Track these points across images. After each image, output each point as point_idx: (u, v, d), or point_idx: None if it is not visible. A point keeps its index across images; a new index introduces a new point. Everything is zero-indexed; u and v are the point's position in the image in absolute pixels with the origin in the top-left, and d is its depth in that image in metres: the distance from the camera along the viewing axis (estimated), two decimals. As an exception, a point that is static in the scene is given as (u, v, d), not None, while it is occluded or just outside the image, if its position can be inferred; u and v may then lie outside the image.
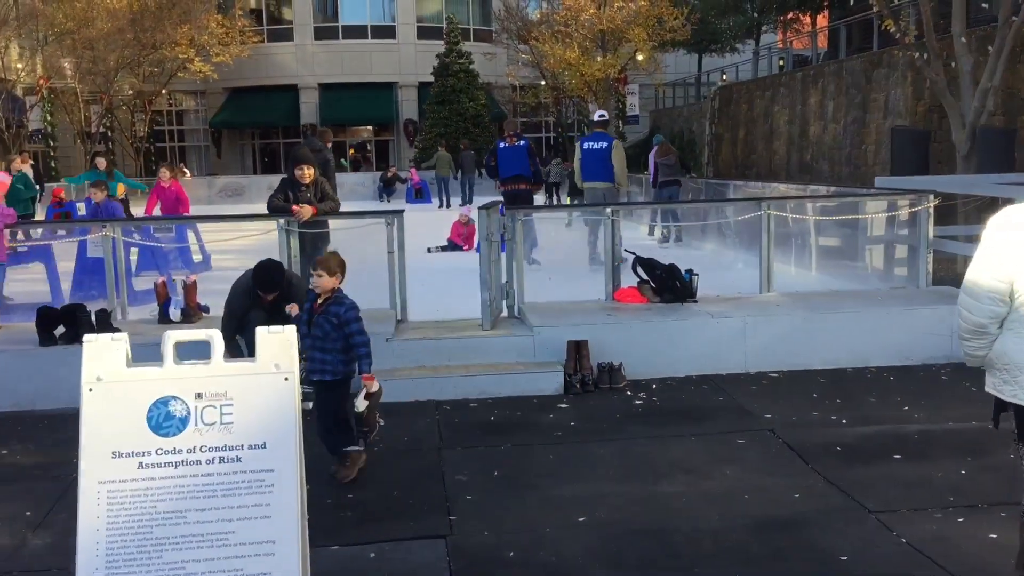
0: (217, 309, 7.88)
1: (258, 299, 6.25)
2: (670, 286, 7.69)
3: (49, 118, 29.86)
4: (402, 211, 7.75)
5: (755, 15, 32.60)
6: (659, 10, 26.77)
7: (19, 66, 28.59)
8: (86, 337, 3.08)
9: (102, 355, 3.03)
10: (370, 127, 42.68)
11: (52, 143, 29.95)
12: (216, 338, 3.11)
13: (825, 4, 28.60)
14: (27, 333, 6.75)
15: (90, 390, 3.02)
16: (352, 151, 42.37)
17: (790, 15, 33.02)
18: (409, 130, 40.76)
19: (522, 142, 12.28)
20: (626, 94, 29.41)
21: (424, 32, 40.68)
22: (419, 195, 30.19)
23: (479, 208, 7.70)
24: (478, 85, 35.52)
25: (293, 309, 5.52)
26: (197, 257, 12.68)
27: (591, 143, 11.86)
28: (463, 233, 14.81)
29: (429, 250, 14.64)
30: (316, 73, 40.03)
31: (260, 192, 31.23)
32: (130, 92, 34.50)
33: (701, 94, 36.10)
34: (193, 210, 14.45)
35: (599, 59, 27.59)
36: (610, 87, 29.07)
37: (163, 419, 3.03)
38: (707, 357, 7.01)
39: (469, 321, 7.39)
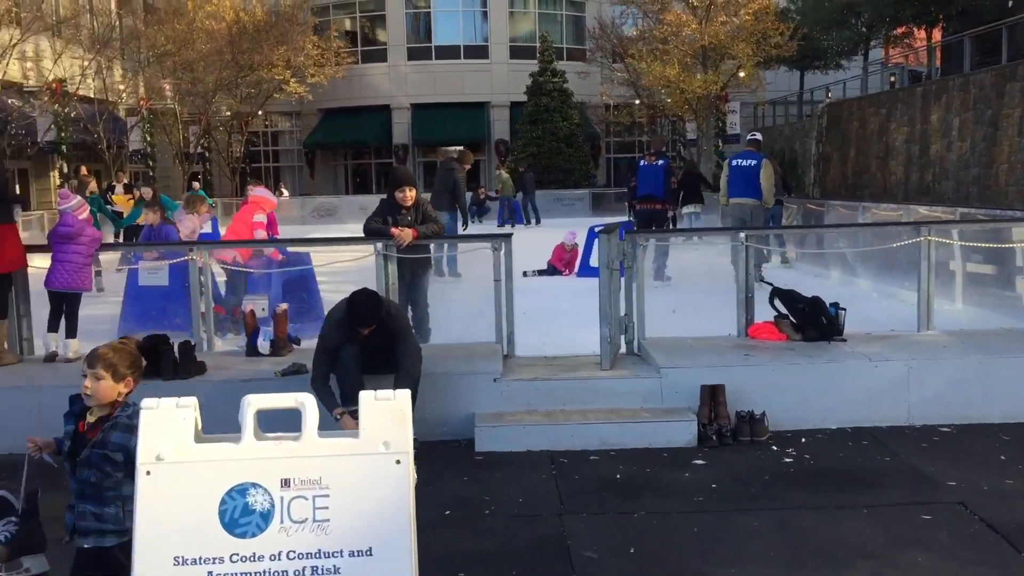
0: (309, 342, 7.30)
1: (354, 333, 5.59)
2: (814, 322, 6.74)
3: (149, 138, 30.32)
4: (510, 234, 7.01)
5: (864, 30, 31.09)
6: (764, 25, 25.65)
7: (121, 87, 29.10)
8: (145, 403, 2.39)
9: (164, 426, 2.34)
10: (460, 148, 42.35)
11: (152, 163, 30.39)
12: (309, 406, 2.38)
13: (940, 17, 27.03)
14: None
15: (148, 473, 2.33)
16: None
17: (901, 29, 31.42)
18: (500, 150, 40.31)
19: (661, 161, 12.26)
20: (726, 112, 28.29)
21: (516, 52, 40.26)
22: (510, 216, 29.61)
23: (599, 232, 6.92)
24: (571, 104, 34.85)
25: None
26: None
27: (740, 160, 11.78)
28: (565, 258, 14.03)
29: (525, 274, 13.90)
30: (408, 93, 39.99)
31: (352, 212, 31.13)
32: (227, 113, 34.92)
33: (803, 112, 34.70)
34: (284, 231, 14.08)
35: (700, 76, 26.55)
36: (711, 105, 28.00)
37: (239, 514, 2.32)
38: (863, 406, 6.04)
39: (584, 359, 6.59)
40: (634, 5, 30.05)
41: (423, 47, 40.66)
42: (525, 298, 10.27)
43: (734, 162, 11.85)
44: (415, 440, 5.11)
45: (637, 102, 36.08)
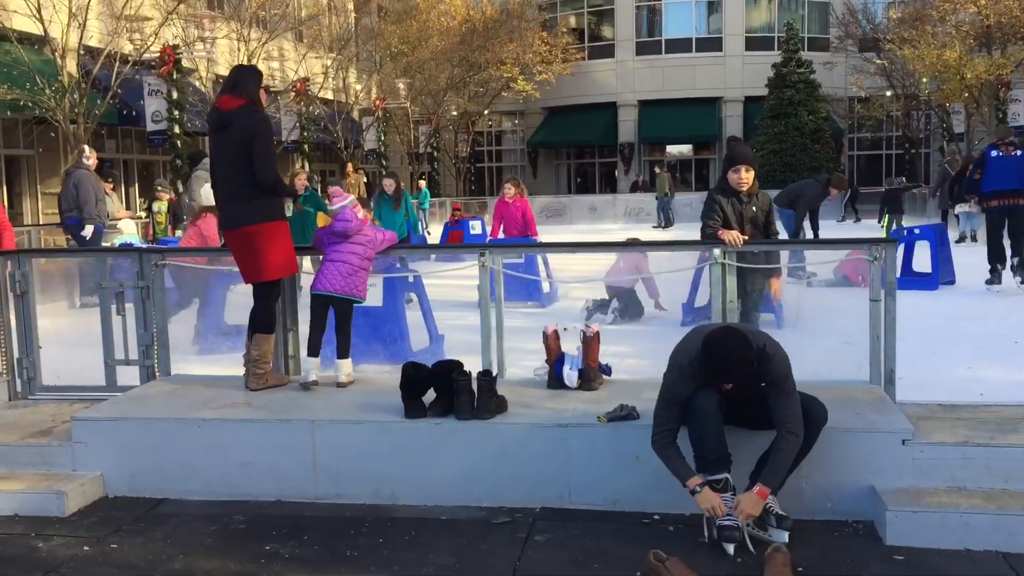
0: (621, 371, 5.88)
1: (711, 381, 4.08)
2: None
3: (383, 137, 30.48)
4: (895, 240, 5.27)
5: None
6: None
7: (357, 87, 29.35)
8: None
9: None
10: (689, 145, 40.38)
11: (385, 162, 30.52)
12: None
13: None
14: (392, 394, 5.02)
15: None
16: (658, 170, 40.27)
17: None
18: (732, 148, 37.97)
19: (1020, 152, 11.06)
20: (1008, 101, 24.73)
21: (752, 43, 37.77)
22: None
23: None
24: (818, 97, 32.01)
25: None
26: (545, 287, 10.97)
27: None
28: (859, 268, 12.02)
29: (810, 283, 11.97)
30: (636, 90, 38.43)
31: (581, 212, 30.03)
32: (455, 113, 34.76)
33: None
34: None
35: (984, 59, 23.17)
36: (992, 93, 24.56)
37: None
38: None
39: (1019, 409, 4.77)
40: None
41: (652, 41, 38.95)
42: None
43: None
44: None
45: (889, 93, 32.74)
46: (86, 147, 11.71)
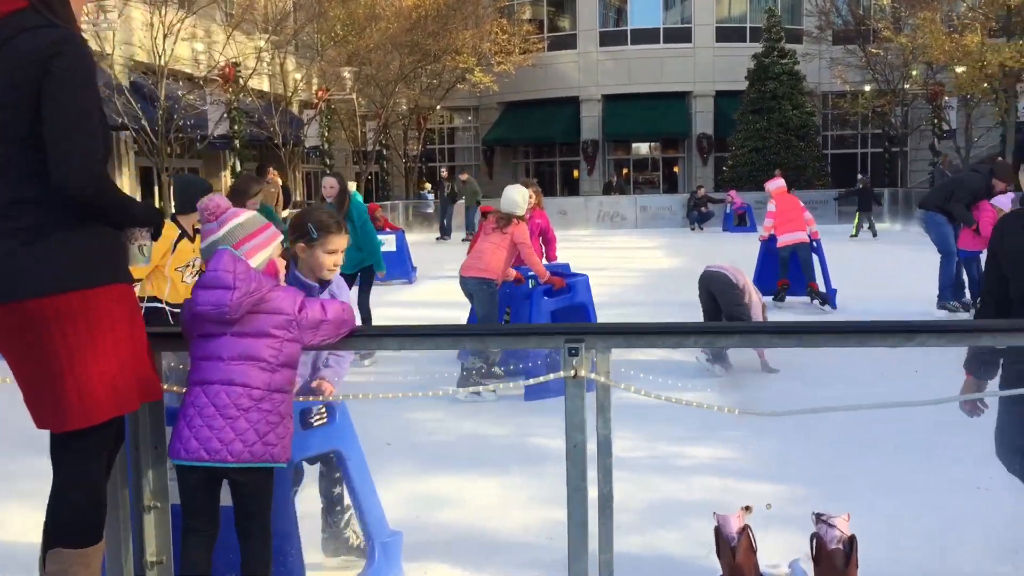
0: None
1: None
2: None
3: (327, 133, 27.19)
4: None
5: None
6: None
7: (297, 76, 26.02)
8: None
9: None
10: (656, 143, 37.80)
11: (329, 161, 27.26)
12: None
13: None
14: None
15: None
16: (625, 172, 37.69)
17: None
18: (703, 146, 35.47)
19: None
20: (1019, 94, 22.49)
21: (724, 34, 35.31)
22: (741, 221, 24.80)
23: None
24: (802, 90, 29.54)
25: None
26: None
27: None
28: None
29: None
30: (600, 83, 35.70)
31: (550, 216, 26.81)
32: (406, 107, 31.60)
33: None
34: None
35: (1013, 44, 20.77)
36: (1004, 85, 22.25)
37: None
38: None
39: None
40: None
41: (617, 32, 36.26)
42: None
43: None
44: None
45: (868, 88, 30.44)
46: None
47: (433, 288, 13.17)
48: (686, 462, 5.06)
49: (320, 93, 25.73)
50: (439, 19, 28.97)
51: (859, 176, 25.33)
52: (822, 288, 10.25)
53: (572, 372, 2.34)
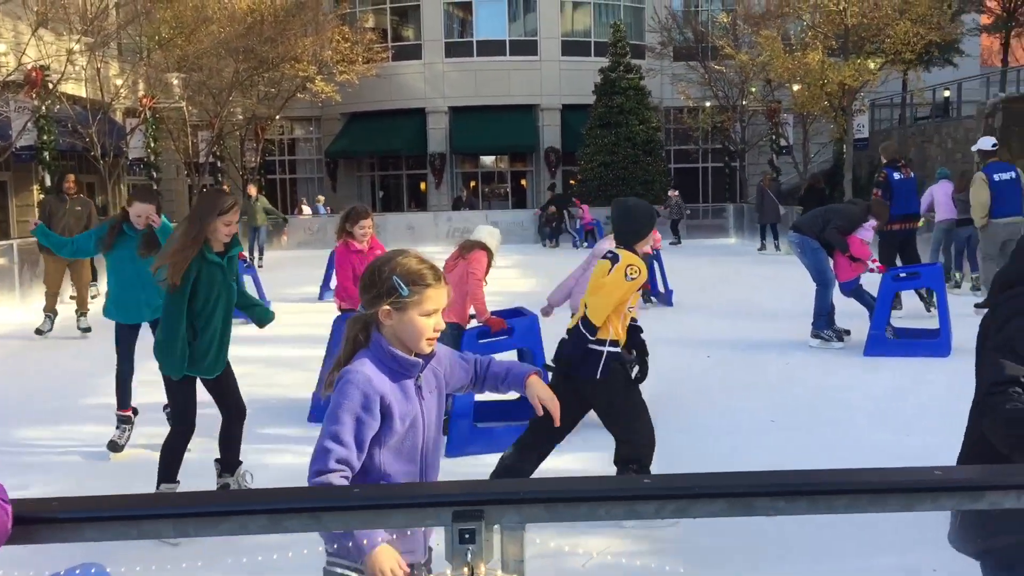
0: None
1: None
2: None
3: (153, 144, 25.09)
4: None
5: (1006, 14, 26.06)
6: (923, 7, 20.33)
7: (118, 82, 23.89)
8: None
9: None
10: (504, 156, 37.35)
11: (156, 174, 25.17)
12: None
13: None
14: None
15: None
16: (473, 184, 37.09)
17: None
18: (551, 159, 35.25)
19: (914, 175, 11.31)
20: (855, 112, 23.19)
21: (570, 48, 35.26)
22: (590, 236, 24.52)
23: None
24: (648, 105, 29.70)
25: None
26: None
27: (1000, 174, 10.41)
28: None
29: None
30: (446, 95, 34.91)
31: (397, 232, 25.71)
32: (241, 117, 29.76)
33: (913, 115, 29.69)
34: (317, 255, 11.14)
35: (848, 64, 21.22)
36: (839, 103, 22.83)
37: None
38: None
39: None
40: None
41: (463, 43, 35.61)
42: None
43: (996, 176, 10.35)
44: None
45: (709, 104, 31.02)
46: None
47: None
48: None
49: (145, 100, 23.70)
50: (276, 24, 27.40)
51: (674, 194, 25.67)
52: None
53: (465, 570, 1.42)
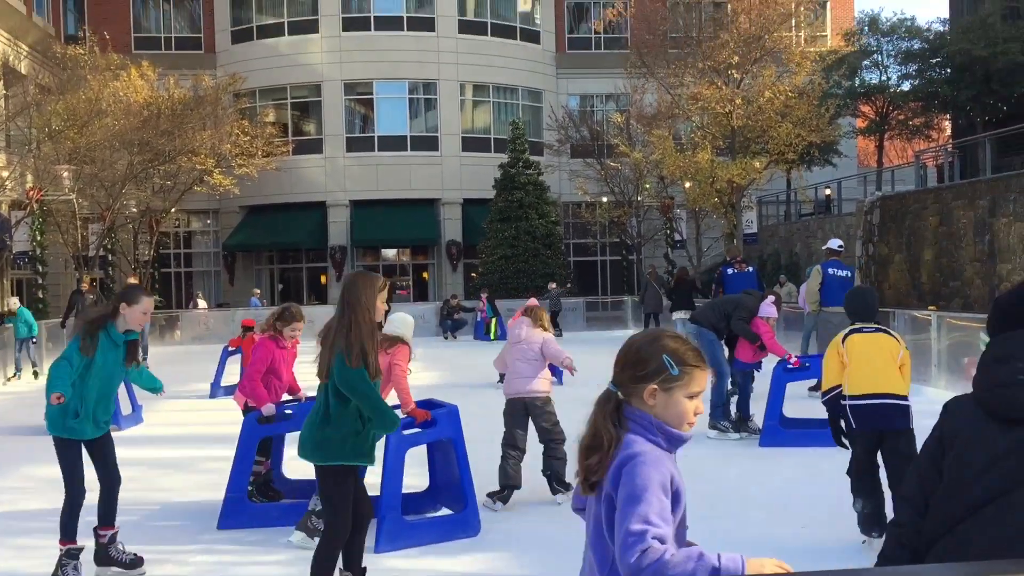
0: None
1: None
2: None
3: (39, 237, 24.23)
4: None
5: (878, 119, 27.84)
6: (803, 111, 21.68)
7: (4, 174, 23.13)
8: None
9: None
10: (405, 249, 37.39)
11: (42, 268, 24.23)
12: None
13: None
14: None
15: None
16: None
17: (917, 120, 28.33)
18: (453, 252, 35.46)
19: (751, 268, 12.91)
20: (742, 208, 24.21)
21: (470, 144, 35.92)
22: (490, 330, 24.59)
23: None
24: (547, 200, 30.36)
25: None
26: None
27: (836, 270, 11.74)
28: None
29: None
30: (347, 188, 34.97)
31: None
32: (135, 209, 29.12)
33: (798, 212, 31.15)
34: (209, 350, 11.49)
35: (735, 163, 22.24)
36: (728, 200, 23.82)
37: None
38: None
39: None
40: (652, 78, 25.67)
41: (364, 138, 35.89)
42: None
43: (830, 270, 11.73)
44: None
45: (605, 200, 31.93)
46: None
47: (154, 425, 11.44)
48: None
49: (32, 192, 22.98)
50: (174, 118, 27.16)
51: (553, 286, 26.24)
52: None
53: None
